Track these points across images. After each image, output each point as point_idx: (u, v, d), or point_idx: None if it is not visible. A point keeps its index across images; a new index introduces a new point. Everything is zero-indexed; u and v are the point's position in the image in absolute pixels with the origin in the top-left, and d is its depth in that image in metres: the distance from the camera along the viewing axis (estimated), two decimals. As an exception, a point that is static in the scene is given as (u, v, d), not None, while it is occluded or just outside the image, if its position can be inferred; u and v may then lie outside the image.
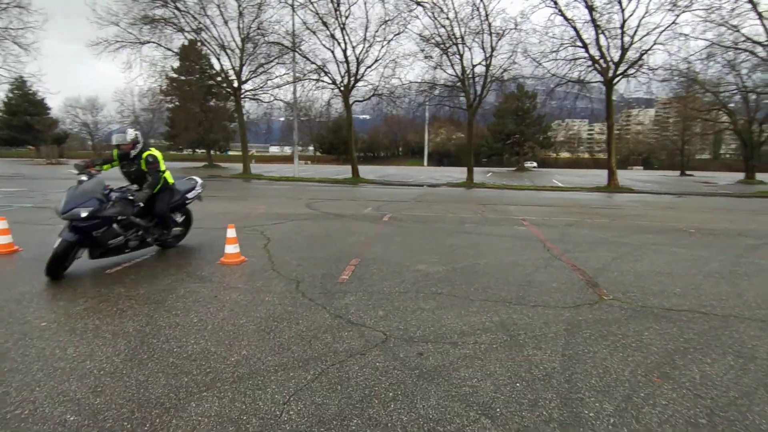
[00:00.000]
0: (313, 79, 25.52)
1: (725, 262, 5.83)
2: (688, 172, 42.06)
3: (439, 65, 23.96)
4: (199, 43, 27.44)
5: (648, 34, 21.22)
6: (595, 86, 23.92)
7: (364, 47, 24.46)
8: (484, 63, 23.46)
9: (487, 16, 22.39)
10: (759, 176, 31.05)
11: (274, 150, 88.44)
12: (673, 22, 20.46)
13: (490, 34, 22.81)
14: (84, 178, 4.65)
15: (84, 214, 4.34)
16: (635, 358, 2.94)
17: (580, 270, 5.19)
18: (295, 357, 2.87)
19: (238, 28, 24.30)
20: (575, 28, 21.84)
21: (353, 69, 24.75)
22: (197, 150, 49.93)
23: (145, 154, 5.15)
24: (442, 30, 23.19)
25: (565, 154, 78.60)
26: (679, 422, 2.23)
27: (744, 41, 21.45)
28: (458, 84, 24.48)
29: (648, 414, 2.30)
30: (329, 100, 26.72)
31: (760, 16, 20.11)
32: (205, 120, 35.40)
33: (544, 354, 2.96)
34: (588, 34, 21.92)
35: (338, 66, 24.90)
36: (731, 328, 3.49)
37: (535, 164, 63.03)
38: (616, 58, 21.71)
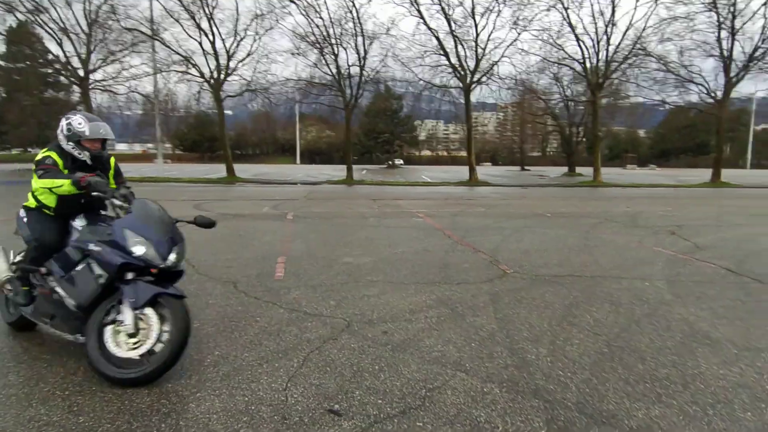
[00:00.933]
0: (179, 71, 23.54)
1: (579, 237, 7.38)
2: (526, 167, 49.41)
3: (316, 64, 24.16)
4: (33, 25, 23.06)
5: (496, 47, 24.56)
6: (454, 91, 26.69)
7: (235, 40, 23.40)
8: (358, 64, 24.38)
9: (359, 19, 23.33)
10: (578, 169, 38.11)
11: (121, 147, 78.15)
12: (515, 40, 24.01)
13: (363, 37, 23.83)
14: (118, 202, 2.80)
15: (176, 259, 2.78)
16: (546, 313, 3.74)
17: (481, 251, 6.09)
18: (271, 350, 2.99)
19: (84, 10, 21.15)
20: (437, 38, 24.10)
21: (224, 62, 23.49)
22: (30, 149, 41.46)
23: (113, 160, 3.17)
24: (317, 29, 23.46)
25: (426, 152, 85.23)
26: (591, 353, 3.01)
27: (565, 58, 26.20)
28: (334, 83, 25.02)
29: (570, 351, 3.03)
30: (198, 93, 24.81)
31: (577, 38, 24.78)
32: (42, 114, 29.76)
33: (482, 320, 3.58)
34: (449, 44, 24.34)
35: (206, 58, 23.37)
36: (599, 285, 4.60)
37: (401, 161, 67.21)
38: (472, 67, 24.60)
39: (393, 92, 45.22)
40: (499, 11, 23.30)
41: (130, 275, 2.59)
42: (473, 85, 24.78)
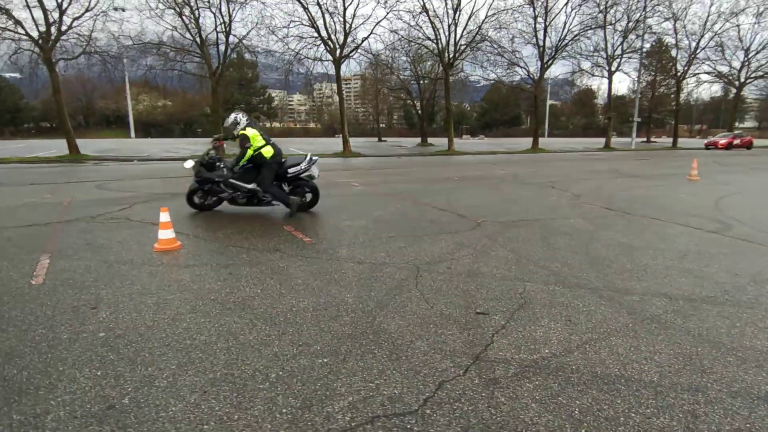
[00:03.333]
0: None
1: (497, 194, 9.27)
2: (383, 138, 52.68)
3: (175, 27, 21.85)
4: None
5: (363, 23, 25.66)
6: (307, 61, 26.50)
7: (66, -9, 19.55)
8: (224, 30, 22.87)
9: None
10: (430, 140, 42.46)
11: None
12: (384, 18, 25.41)
13: (228, 2, 22.35)
14: (212, 152, 6.71)
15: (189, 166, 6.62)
16: (534, 242, 5.20)
17: (442, 209, 7.37)
18: (386, 289, 3.76)
19: None
20: (306, 8, 24.00)
21: (54, 17, 19.53)
22: None
23: (239, 133, 6.42)
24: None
25: (275, 125, 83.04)
26: (578, 261, 4.53)
27: (423, 39, 28.77)
28: (196, 49, 23.05)
29: (571, 259, 4.51)
30: (15, 53, 20.14)
31: (431, 21, 27.40)
32: None
33: (499, 252, 4.84)
34: (319, 16, 24.47)
35: (31, 12, 19.10)
36: (547, 225, 6.27)
37: (254, 133, 64.43)
38: (341, 41, 25.29)
39: (247, 60, 42.95)
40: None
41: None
42: (343, 59, 25.58)
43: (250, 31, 23.10)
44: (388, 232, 5.75)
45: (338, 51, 25.01)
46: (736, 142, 34.60)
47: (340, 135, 26.98)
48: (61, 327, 2.99)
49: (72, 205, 7.75)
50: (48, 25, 19.68)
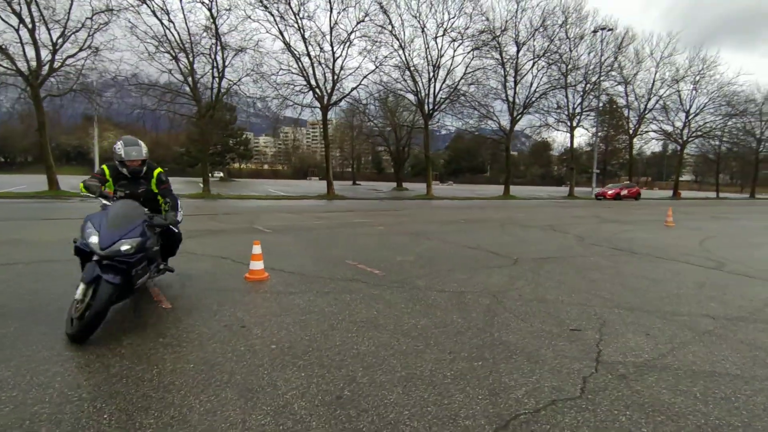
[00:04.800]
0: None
1: (510, 235, 10.13)
2: (357, 182, 53.90)
3: (170, 70, 22.42)
4: None
5: (350, 74, 27.22)
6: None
7: (63, 32, 19.89)
8: (217, 75, 23.63)
9: (216, 30, 22.74)
10: (405, 185, 43.98)
11: None
12: (372, 72, 27.07)
13: (221, 47, 23.28)
14: (106, 202, 3.86)
15: (126, 248, 3.40)
16: (571, 274, 5.97)
17: (473, 248, 8.10)
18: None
19: None
20: (297, 59, 25.31)
21: (47, 57, 19.71)
22: None
23: (156, 172, 4.34)
24: (170, 34, 21.90)
25: (246, 165, 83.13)
26: (619, 294, 5.33)
27: (404, 90, 30.67)
28: (188, 92, 23.59)
29: (615, 300, 5.29)
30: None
31: (412, 76, 29.38)
32: None
33: (550, 283, 5.56)
34: (309, 65, 25.81)
35: (24, 48, 19.20)
36: (568, 261, 7.10)
37: (221, 174, 64.08)
38: (329, 89, 26.63)
39: (224, 103, 43.60)
40: (350, 42, 26.06)
41: (95, 257, 3.35)
42: (330, 106, 26.80)
43: (242, 77, 23.90)
44: (441, 266, 6.39)
45: (326, 98, 26.24)
46: (624, 192, 35.45)
47: (312, 177, 27.69)
48: (229, 342, 3.39)
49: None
50: (39, 61, 19.77)
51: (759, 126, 47.25)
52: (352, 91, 26.80)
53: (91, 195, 3.81)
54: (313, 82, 25.68)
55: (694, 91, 40.70)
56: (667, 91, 39.79)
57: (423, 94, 30.16)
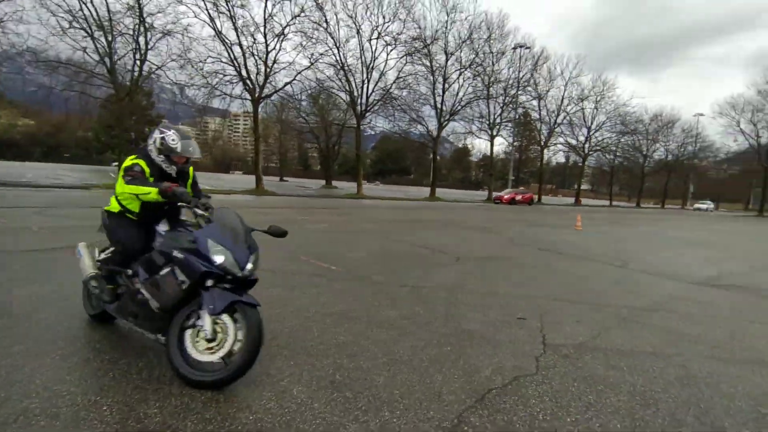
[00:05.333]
0: None
1: (449, 234, 10.75)
2: (284, 179, 52.68)
3: (84, 49, 20.39)
4: None
5: (284, 68, 26.70)
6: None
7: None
8: (139, 57, 21.95)
9: (141, 13, 21.15)
10: (334, 183, 43.94)
11: None
12: (307, 68, 26.73)
13: (147, 31, 21.69)
14: (203, 212, 2.95)
15: (251, 267, 2.86)
16: (509, 275, 6.63)
17: (423, 247, 8.54)
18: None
19: None
20: (228, 48, 24.31)
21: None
22: None
23: (192, 171, 3.43)
24: (86, 10, 19.96)
25: (164, 156, 77.41)
26: (556, 287, 6.06)
27: (338, 89, 30.69)
28: (105, 72, 21.63)
29: (554, 293, 5.99)
30: None
31: (346, 76, 29.53)
32: None
33: (496, 279, 6.14)
34: (242, 56, 24.88)
35: None
36: (509, 260, 7.82)
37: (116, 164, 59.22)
38: (261, 82, 25.89)
39: (141, 88, 40.21)
40: (285, 36, 25.60)
41: (209, 282, 2.70)
42: (262, 100, 26.09)
43: (167, 62, 22.40)
44: (394, 263, 6.74)
45: (257, 91, 25.50)
46: (518, 197, 36.89)
47: (235, 171, 26.84)
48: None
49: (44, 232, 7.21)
50: None
51: (645, 144, 54.22)
52: (286, 85, 26.40)
53: (184, 203, 2.96)
54: (244, 72, 24.84)
55: (595, 110, 45.65)
56: (573, 108, 44.20)
57: (356, 94, 30.51)
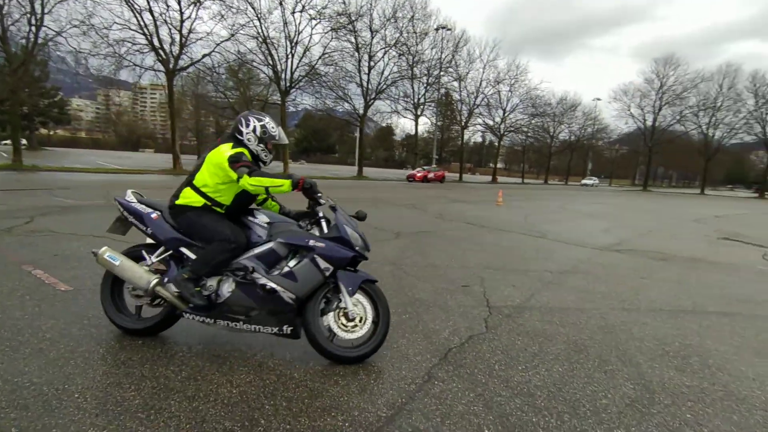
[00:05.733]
0: None
1: (384, 212, 11.00)
2: (201, 157, 49.30)
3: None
4: None
5: (200, 40, 24.87)
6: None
7: None
8: (33, 23, 19.19)
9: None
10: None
11: None
12: (227, 39, 25.10)
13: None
14: (331, 201, 3.09)
15: None
16: (444, 248, 7.08)
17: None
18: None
19: None
20: (138, 14, 22.04)
21: None
22: None
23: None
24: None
25: (61, 132, 68.68)
26: (487, 257, 6.60)
27: (257, 63, 29.23)
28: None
29: (486, 262, 6.52)
30: None
31: (269, 49, 28.25)
32: None
33: (434, 252, 6.53)
34: (153, 24, 22.69)
35: None
36: (444, 234, 8.29)
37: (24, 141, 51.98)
38: (176, 52, 23.92)
39: (34, 57, 34.95)
40: (201, 4, 23.79)
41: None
42: (177, 72, 24.18)
43: (67, 28, 19.77)
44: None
45: (172, 63, 23.58)
46: (430, 175, 36.75)
47: (146, 150, 25.02)
48: (169, 317, 3.34)
49: None
50: None
51: (552, 125, 58.83)
52: (204, 57, 24.55)
53: (318, 194, 2.91)
54: (156, 42, 22.74)
55: (510, 93, 48.40)
56: (490, 90, 46.44)
57: (280, 69, 29.36)
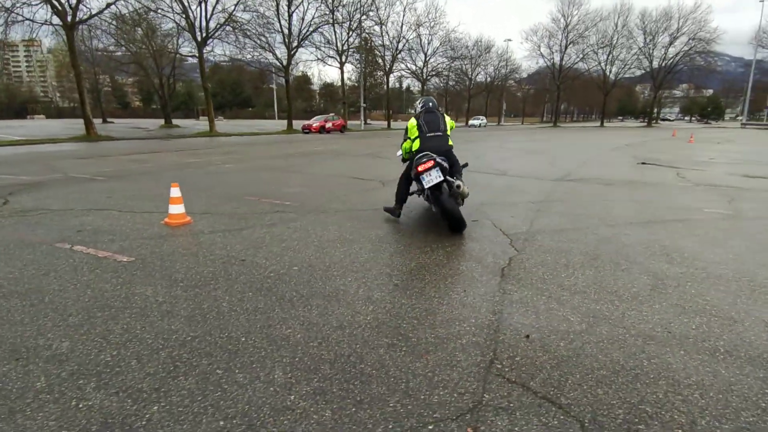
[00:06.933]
0: None
1: (350, 164, 11.22)
2: (109, 120, 44.41)
3: None
4: None
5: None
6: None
7: None
8: None
9: None
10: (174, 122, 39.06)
11: None
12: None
13: None
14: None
15: None
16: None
17: (344, 176, 8.91)
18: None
19: None
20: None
21: None
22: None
23: None
24: None
25: None
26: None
27: (164, 10, 26.44)
28: None
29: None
30: None
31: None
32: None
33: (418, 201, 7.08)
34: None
35: None
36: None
37: None
38: (74, 2, 20.82)
39: None
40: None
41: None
42: (77, 24, 21.21)
43: None
44: (333, 193, 7.13)
45: (69, 15, 20.58)
46: (328, 125, 34.86)
47: (36, 116, 22.43)
48: (240, 274, 3.58)
49: None
50: None
51: (470, 68, 60.52)
52: (108, 6, 21.60)
53: None
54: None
55: (430, 36, 48.64)
56: (412, 34, 46.31)
57: (192, 17, 26.81)
